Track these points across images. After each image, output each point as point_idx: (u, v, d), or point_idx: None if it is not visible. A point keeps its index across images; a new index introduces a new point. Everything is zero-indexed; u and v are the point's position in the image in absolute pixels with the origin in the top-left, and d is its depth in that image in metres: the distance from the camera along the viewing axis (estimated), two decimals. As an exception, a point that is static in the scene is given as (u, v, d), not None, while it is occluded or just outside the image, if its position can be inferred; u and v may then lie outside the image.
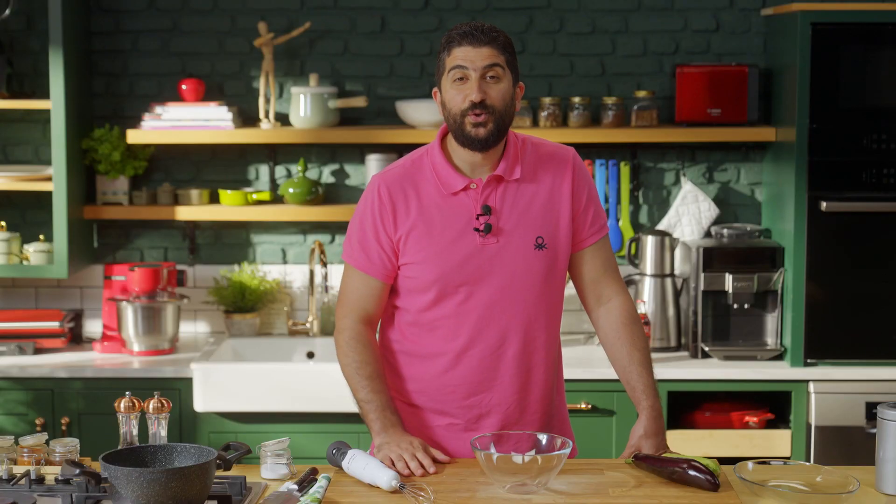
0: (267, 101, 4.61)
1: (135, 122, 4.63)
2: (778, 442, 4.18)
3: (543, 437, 2.68)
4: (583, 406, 4.13)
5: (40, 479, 2.59)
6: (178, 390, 4.18)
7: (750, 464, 2.65)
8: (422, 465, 2.67)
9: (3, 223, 4.56)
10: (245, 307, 4.62)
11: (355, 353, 2.86)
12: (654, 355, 4.35)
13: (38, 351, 4.44)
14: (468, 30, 2.75)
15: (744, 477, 2.59)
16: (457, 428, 2.87)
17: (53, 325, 4.46)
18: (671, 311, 4.42)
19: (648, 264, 4.46)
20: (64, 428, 4.18)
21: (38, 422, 4.19)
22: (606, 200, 4.60)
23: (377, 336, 2.96)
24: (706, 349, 4.33)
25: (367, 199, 2.86)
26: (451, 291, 2.81)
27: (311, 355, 4.59)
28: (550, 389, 2.92)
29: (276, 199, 4.68)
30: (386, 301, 2.90)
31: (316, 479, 2.63)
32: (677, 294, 4.45)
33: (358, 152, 4.71)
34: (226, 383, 4.12)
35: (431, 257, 2.80)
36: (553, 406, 2.94)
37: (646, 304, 4.40)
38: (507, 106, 2.77)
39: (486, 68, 2.73)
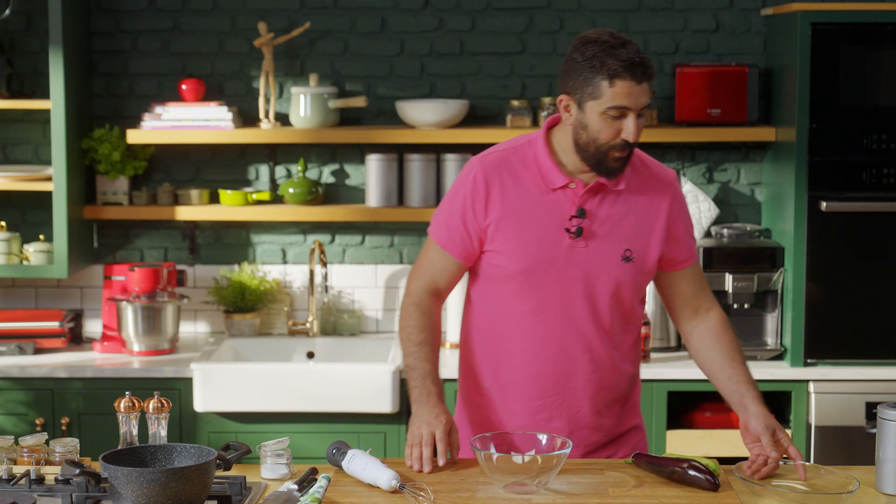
0: (267, 101, 4.61)
1: (135, 122, 4.63)
2: (778, 442, 4.17)
3: (543, 437, 2.68)
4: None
5: (40, 479, 2.59)
6: (178, 390, 4.18)
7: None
8: (432, 459, 2.67)
9: (3, 223, 4.56)
10: (245, 307, 4.62)
11: (412, 319, 2.86)
12: (653, 355, 4.39)
13: (38, 351, 4.44)
14: (631, 62, 2.66)
15: (743, 477, 2.59)
16: (527, 428, 2.85)
17: (53, 325, 4.46)
18: (671, 311, 4.42)
19: (648, 264, 4.45)
20: (64, 428, 4.18)
21: (38, 422, 4.19)
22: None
23: (462, 319, 2.97)
24: (706, 349, 4.32)
25: (463, 180, 2.84)
26: (533, 288, 2.80)
27: (311, 355, 4.59)
28: (624, 396, 2.91)
29: (276, 199, 4.68)
30: (458, 279, 2.90)
31: (316, 479, 2.63)
32: (677, 294, 4.45)
33: (358, 152, 4.71)
34: (226, 383, 4.12)
35: (518, 249, 2.79)
36: (625, 412, 2.93)
37: (646, 304, 4.40)
38: None
39: (641, 107, 2.70)
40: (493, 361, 2.88)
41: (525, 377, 2.85)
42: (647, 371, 4.10)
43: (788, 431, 4.18)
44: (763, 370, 4.18)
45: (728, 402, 2.86)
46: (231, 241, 4.75)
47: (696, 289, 2.93)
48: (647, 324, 4.30)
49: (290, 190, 4.58)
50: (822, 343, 4.20)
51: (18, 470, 2.70)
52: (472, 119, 4.67)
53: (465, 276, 2.96)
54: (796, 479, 2.63)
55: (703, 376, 4.15)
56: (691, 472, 2.57)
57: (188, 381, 4.18)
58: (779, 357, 4.30)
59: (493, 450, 2.61)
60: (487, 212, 2.80)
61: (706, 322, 2.92)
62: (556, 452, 2.55)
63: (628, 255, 2.81)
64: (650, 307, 4.40)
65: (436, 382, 2.79)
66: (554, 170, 2.79)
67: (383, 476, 2.57)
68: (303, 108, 4.53)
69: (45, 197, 4.55)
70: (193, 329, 4.76)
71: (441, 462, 2.68)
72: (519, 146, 2.85)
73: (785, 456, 2.70)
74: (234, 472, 2.68)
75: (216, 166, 4.73)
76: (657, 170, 2.88)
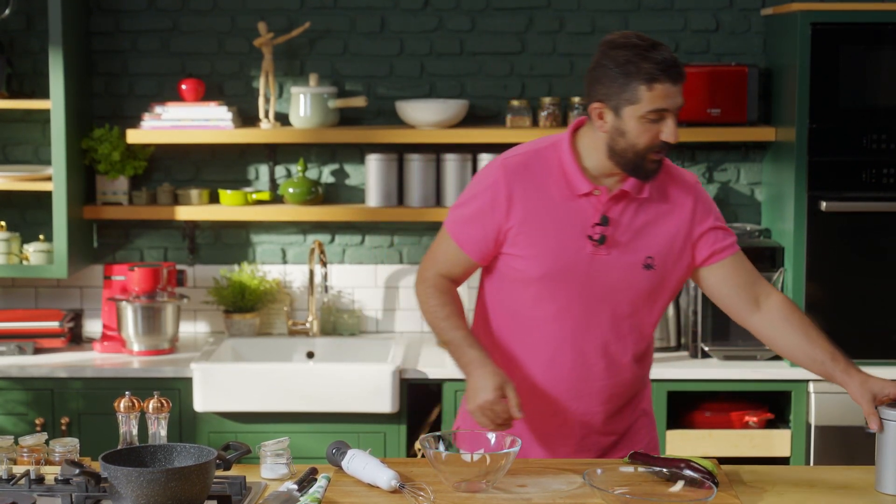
0: (267, 101, 4.61)
1: (135, 122, 4.63)
2: (778, 442, 4.18)
3: (492, 437, 2.67)
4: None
5: (40, 479, 2.59)
6: (177, 390, 4.18)
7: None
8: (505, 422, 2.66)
9: (3, 223, 4.56)
10: (245, 307, 4.62)
11: (432, 299, 2.84)
12: (653, 355, 4.38)
13: (37, 351, 4.44)
14: (667, 64, 2.62)
15: (592, 483, 2.49)
16: (537, 432, 2.84)
17: (53, 325, 4.46)
18: (671, 311, 4.42)
19: (648, 264, 4.45)
20: (64, 428, 4.18)
21: (38, 422, 4.19)
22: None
23: (474, 316, 2.96)
24: (706, 349, 4.33)
25: (485, 180, 2.80)
26: (553, 294, 2.78)
27: (310, 355, 4.59)
28: (632, 399, 2.91)
29: (276, 199, 4.68)
30: (472, 273, 2.88)
31: (316, 479, 2.64)
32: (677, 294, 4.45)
33: (358, 152, 4.71)
34: (225, 383, 4.12)
35: (540, 255, 2.76)
36: (636, 421, 2.93)
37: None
38: None
39: (678, 109, 2.67)
40: (507, 363, 2.85)
41: (540, 381, 2.83)
42: (646, 371, 4.10)
43: (787, 432, 4.18)
44: (763, 370, 4.18)
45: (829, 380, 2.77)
46: (231, 241, 4.75)
47: (750, 277, 2.83)
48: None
49: (290, 190, 4.58)
50: (822, 343, 4.20)
51: (18, 470, 2.70)
52: (471, 119, 4.67)
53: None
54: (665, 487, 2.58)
55: (703, 376, 4.20)
56: (689, 473, 2.57)
57: (188, 381, 4.18)
58: (778, 357, 4.30)
59: (441, 447, 2.62)
60: (509, 216, 2.77)
61: (770, 310, 2.80)
62: (505, 451, 2.55)
63: (650, 263, 2.78)
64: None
65: (475, 346, 2.75)
66: (579, 175, 2.76)
67: (383, 476, 2.57)
68: (303, 107, 4.53)
69: (45, 197, 4.55)
70: (193, 329, 4.76)
71: (518, 416, 2.65)
72: (543, 148, 2.81)
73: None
74: (234, 472, 2.68)
75: (216, 166, 4.73)
76: (677, 174, 2.85)
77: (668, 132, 2.66)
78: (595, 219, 2.76)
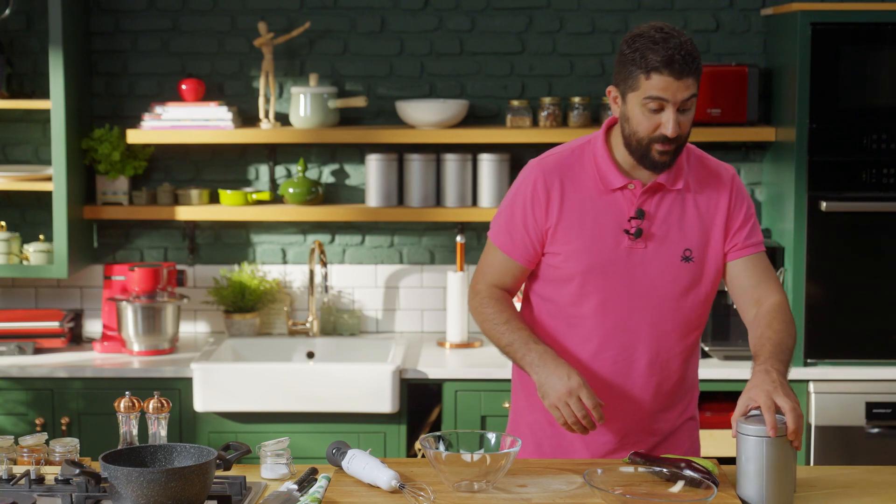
0: (267, 100, 4.61)
1: (135, 122, 4.63)
2: (778, 442, 4.17)
3: (493, 436, 2.68)
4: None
5: (40, 479, 2.59)
6: (177, 390, 4.18)
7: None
8: (588, 415, 2.63)
9: (3, 223, 4.56)
10: (245, 307, 4.62)
11: (489, 308, 2.84)
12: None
13: (37, 351, 4.44)
14: (671, 56, 2.64)
15: (592, 483, 2.49)
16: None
17: (53, 325, 4.46)
18: (671, 311, 4.42)
19: (648, 264, 4.45)
20: (64, 428, 4.18)
21: (38, 422, 4.20)
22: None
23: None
24: (706, 349, 4.33)
25: (521, 184, 2.83)
26: (593, 289, 2.78)
27: (310, 355, 4.59)
28: (679, 402, 2.90)
29: (276, 199, 4.69)
30: (522, 281, 2.89)
31: (316, 479, 2.64)
32: (677, 294, 4.45)
33: (358, 152, 4.71)
34: (226, 383, 4.12)
35: (578, 251, 2.77)
36: (679, 418, 2.92)
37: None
38: (690, 129, 2.72)
39: (683, 101, 2.67)
40: None
41: (584, 377, 2.80)
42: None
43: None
44: (763, 370, 4.18)
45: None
46: (231, 241, 4.75)
47: (760, 277, 2.82)
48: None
49: (290, 190, 4.58)
50: (822, 343, 4.20)
51: (18, 470, 2.70)
52: (471, 119, 4.67)
53: None
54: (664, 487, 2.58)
55: (703, 376, 4.19)
56: (688, 473, 2.57)
57: (188, 381, 4.18)
58: (779, 357, 4.30)
59: (441, 447, 2.62)
60: (548, 215, 2.79)
61: (762, 310, 2.79)
62: (505, 451, 2.55)
63: (688, 255, 2.79)
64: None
65: (539, 341, 2.75)
66: (612, 170, 2.78)
67: (383, 476, 2.57)
68: (303, 107, 4.53)
69: (45, 197, 4.55)
70: (193, 329, 4.76)
71: (601, 403, 2.64)
72: (577, 147, 2.83)
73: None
74: (234, 472, 2.68)
75: (216, 166, 4.73)
76: (715, 166, 2.86)
77: (666, 124, 2.67)
78: (630, 212, 2.77)
